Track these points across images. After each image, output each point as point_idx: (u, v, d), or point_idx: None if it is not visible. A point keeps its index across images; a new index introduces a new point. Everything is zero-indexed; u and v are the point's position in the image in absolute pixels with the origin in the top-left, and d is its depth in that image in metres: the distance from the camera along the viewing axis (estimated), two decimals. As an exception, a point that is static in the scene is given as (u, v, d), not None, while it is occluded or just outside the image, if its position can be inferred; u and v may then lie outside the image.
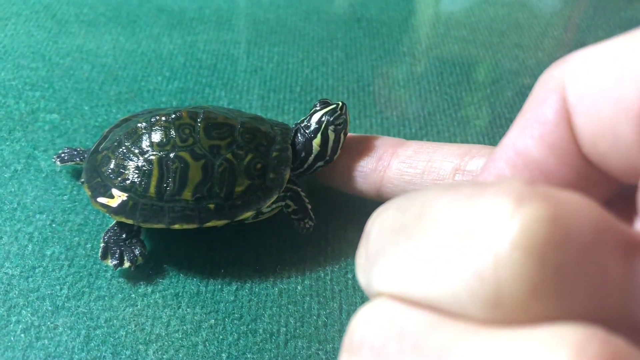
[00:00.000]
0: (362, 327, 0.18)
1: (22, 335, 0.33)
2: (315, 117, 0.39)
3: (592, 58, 0.19)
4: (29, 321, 0.34)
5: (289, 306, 0.36)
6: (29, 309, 0.34)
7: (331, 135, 0.39)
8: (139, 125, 0.37)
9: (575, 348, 0.13)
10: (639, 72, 0.17)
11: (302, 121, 0.40)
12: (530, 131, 0.21)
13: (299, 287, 0.37)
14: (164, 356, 0.33)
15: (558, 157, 0.21)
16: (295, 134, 0.40)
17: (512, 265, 0.14)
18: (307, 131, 0.40)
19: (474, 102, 0.56)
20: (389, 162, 0.37)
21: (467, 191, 0.16)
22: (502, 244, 0.14)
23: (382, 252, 0.18)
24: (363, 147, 0.39)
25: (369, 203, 0.39)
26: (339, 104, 0.40)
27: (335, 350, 0.34)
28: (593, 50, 0.20)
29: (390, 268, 0.17)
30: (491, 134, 0.52)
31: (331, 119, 0.39)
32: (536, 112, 0.21)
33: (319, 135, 0.39)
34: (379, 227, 0.18)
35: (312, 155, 0.39)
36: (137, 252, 0.37)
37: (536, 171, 0.21)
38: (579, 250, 0.14)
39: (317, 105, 0.40)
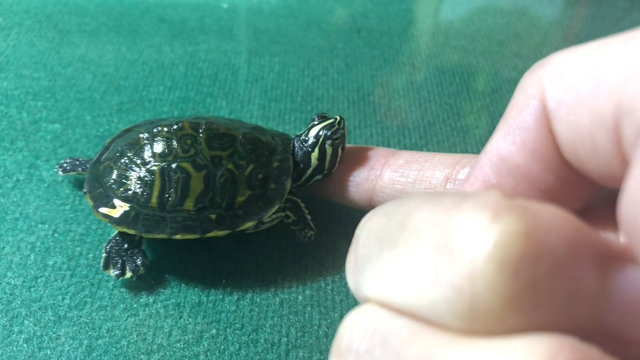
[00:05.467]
0: (349, 332, 0.18)
1: (25, 345, 0.33)
2: (313, 131, 0.40)
3: (570, 64, 0.20)
4: (32, 331, 0.34)
5: (290, 316, 0.36)
6: (31, 319, 0.34)
7: (329, 150, 0.39)
8: (141, 135, 0.38)
9: (546, 358, 0.14)
10: (613, 83, 0.18)
11: (301, 134, 0.41)
12: (513, 138, 0.22)
13: (300, 297, 0.38)
14: (166, 366, 0.33)
15: (540, 163, 0.21)
16: (294, 146, 0.40)
17: (486, 278, 0.15)
18: (305, 145, 0.40)
19: (474, 111, 0.56)
20: (380, 171, 0.37)
21: (448, 203, 0.17)
22: (478, 258, 0.15)
23: (369, 258, 0.18)
24: (355, 157, 0.39)
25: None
26: (336, 119, 0.40)
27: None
28: (571, 55, 0.20)
29: (376, 275, 0.18)
30: (491, 143, 0.52)
31: (329, 133, 0.39)
32: (517, 118, 0.22)
33: (316, 149, 0.39)
34: (366, 233, 0.19)
35: (311, 169, 0.40)
36: (139, 262, 0.37)
37: (519, 177, 0.22)
38: (553, 264, 0.15)
39: (315, 119, 0.40)
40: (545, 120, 0.21)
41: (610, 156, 0.18)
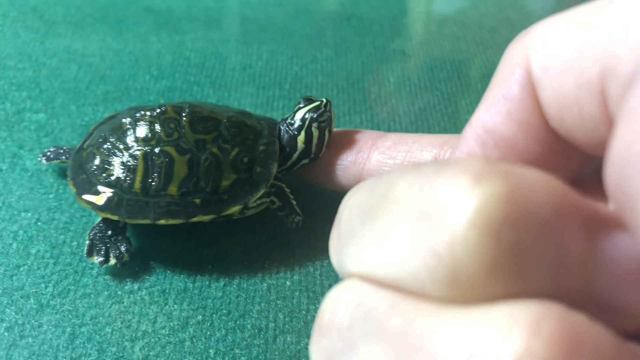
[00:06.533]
0: (331, 308, 0.17)
1: (6, 333, 0.32)
2: (299, 114, 0.39)
3: (555, 30, 0.19)
4: (13, 320, 0.33)
5: (278, 301, 0.36)
6: (12, 308, 0.34)
7: (315, 133, 0.38)
8: (124, 120, 0.37)
9: (530, 325, 0.13)
10: (599, 45, 0.17)
11: (287, 118, 0.40)
12: (498, 108, 0.21)
13: (287, 283, 0.37)
14: (151, 353, 0.32)
15: (526, 133, 0.21)
16: (280, 130, 0.40)
17: (468, 243, 0.14)
18: (291, 128, 0.39)
19: (465, 97, 0.55)
20: (368, 154, 0.37)
21: (429, 170, 0.16)
22: (459, 223, 0.14)
23: (352, 233, 0.18)
24: (343, 140, 0.38)
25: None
26: (322, 101, 0.39)
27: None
28: (555, 22, 0.19)
29: (358, 249, 0.17)
30: (482, 128, 0.51)
31: (315, 115, 0.38)
32: (502, 88, 0.21)
33: (302, 132, 0.38)
34: (349, 208, 0.18)
35: (297, 152, 0.39)
36: (123, 249, 0.36)
37: (506, 148, 0.21)
38: (537, 228, 0.14)
39: (301, 102, 0.40)
40: (531, 89, 0.20)
41: (597, 121, 0.18)
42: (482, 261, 0.14)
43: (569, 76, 0.18)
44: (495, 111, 0.22)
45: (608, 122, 0.18)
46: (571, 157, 0.21)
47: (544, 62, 0.20)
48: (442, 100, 0.55)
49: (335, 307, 0.17)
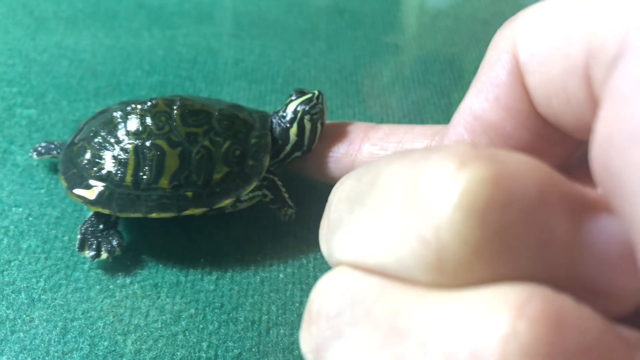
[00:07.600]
0: (320, 296, 0.17)
1: (-3, 329, 0.32)
2: (291, 107, 0.39)
3: (542, 15, 0.19)
4: (4, 314, 0.33)
5: (271, 294, 0.36)
6: (3, 303, 0.34)
7: (307, 125, 0.38)
8: (115, 114, 0.37)
9: (516, 308, 0.13)
10: (584, 29, 0.17)
11: (279, 111, 0.40)
12: (485, 94, 0.21)
13: (281, 275, 0.37)
14: (143, 346, 0.32)
15: (514, 119, 0.21)
16: (272, 123, 0.39)
17: (453, 227, 0.14)
18: (283, 121, 0.39)
19: (458, 90, 0.55)
20: (360, 145, 0.36)
21: (415, 156, 0.16)
22: (444, 207, 0.14)
23: (340, 221, 0.18)
24: (334, 133, 0.38)
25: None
26: (314, 93, 0.39)
27: (318, 337, 0.33)
28: (542, 8, 0.20)
29: (347, 236, 0.17)
30: (475, 120, 0.51)
31: (307, 108, 0.38)
32: (490, 74, 0.21)
33: (295, 125, 0.38)
34: (338, 197, 0.19)
35: (290, 145, 0.39)
36: (114, 243, 0.36)
37: (494, 135, 0.21)
38: (522, 211, 0.14)
39: (293, 94, 0.40)
40: (518, 74, 0.20)
41: (584, 105, 0.18)
42: (467, 244, 0.14)
43: (555, 61, 0.18)
44: (483, 98, 0.22)
45: (594, 106, 0.18)
46: (559, 143, 0.21)
47: (530, 47, 0.20)
48: (435, 94, 0.54)
49: (324, 294, 0.18)
